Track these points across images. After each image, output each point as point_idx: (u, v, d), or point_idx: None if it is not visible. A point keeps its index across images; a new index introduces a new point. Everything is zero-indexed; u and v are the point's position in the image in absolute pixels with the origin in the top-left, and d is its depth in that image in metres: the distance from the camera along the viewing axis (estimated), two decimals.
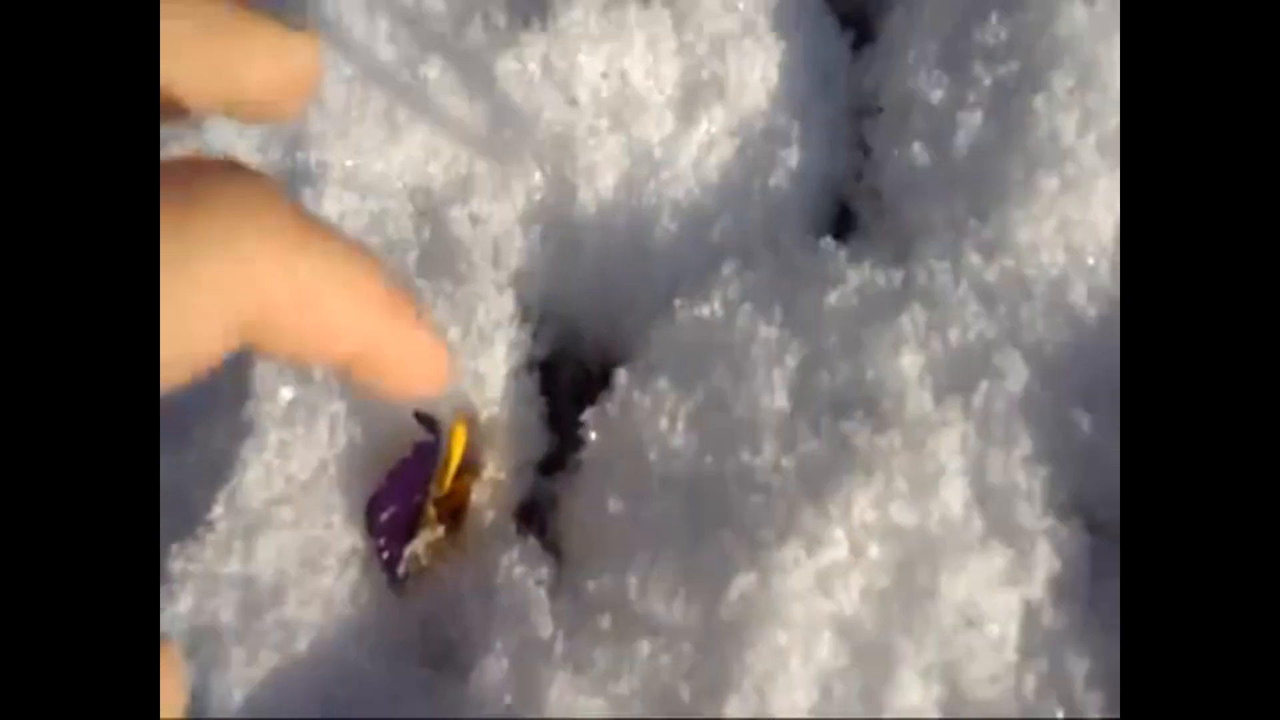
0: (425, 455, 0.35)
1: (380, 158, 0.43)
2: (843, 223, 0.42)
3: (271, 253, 0.18)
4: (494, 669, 0.33)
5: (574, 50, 0.44)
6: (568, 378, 0.43)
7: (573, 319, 0.42)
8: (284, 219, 0.19)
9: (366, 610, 0.36)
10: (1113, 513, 0.31)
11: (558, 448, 0.40)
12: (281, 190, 0.20)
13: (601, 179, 0.42)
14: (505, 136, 0.43)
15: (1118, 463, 0.31)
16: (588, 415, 0.36)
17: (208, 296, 0.17)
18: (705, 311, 0.37)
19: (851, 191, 0.41)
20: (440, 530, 0.36)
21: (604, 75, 0.44)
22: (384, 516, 0.35)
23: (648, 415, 0.35)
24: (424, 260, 0.41)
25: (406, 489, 0.35)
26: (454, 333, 0.38)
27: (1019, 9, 0.38)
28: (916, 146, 0.38)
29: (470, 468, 0.37)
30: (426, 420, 0.36)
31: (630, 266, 0.41)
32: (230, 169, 0.19)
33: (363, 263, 0.20)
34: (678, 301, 0.38)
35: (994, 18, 0.39)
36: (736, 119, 0.42)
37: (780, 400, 0.34)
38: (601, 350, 0.42)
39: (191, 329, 0.17)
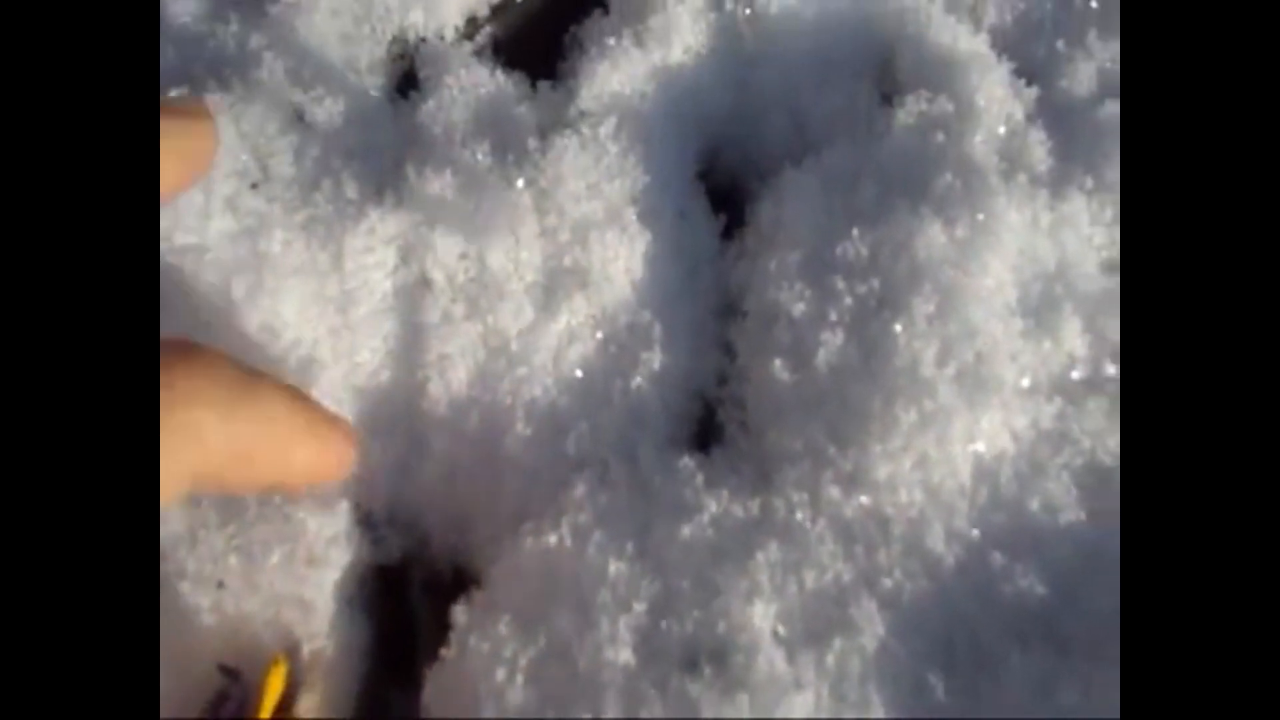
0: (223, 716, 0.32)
1: (211, 337, 0.39)
2: (707, 423, 0.40)
3: (212, 421, 0.26)
4: None
5: (429, 229, 0.42)
6: (419, 580, 0.40)
7: (420, 525, 0.39)
8: (227, 389, 0.27)
9: None
10: None
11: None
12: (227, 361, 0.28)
13: (454, 372, 0.40)
14: (351, 320, 0.41)
15: None
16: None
17: (166, 455, 0.24)
18: (553, 540, 0.34)
19: (715, 396, 0.40)
20: None
21: (461, 257, 0.41)
22: None
23: (485, 663, 0.32)
24: None
25: None
26: (278, 555, 0.35)
27: (880, 223, 0.37)
28: (778, 363, 0.37)
29: (288, 708, 0.34)
30: (230, 673, 0.32)
31: (481, 475, 0.38)
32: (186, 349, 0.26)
33: (293, 408, 0.30)
34: (526, 526, 0.35)
35: (855, 231, 0.37)
36: (599, 311, 0.40)
37: (625, 655, 0.31)
38: (451, 553, 0.40)
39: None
